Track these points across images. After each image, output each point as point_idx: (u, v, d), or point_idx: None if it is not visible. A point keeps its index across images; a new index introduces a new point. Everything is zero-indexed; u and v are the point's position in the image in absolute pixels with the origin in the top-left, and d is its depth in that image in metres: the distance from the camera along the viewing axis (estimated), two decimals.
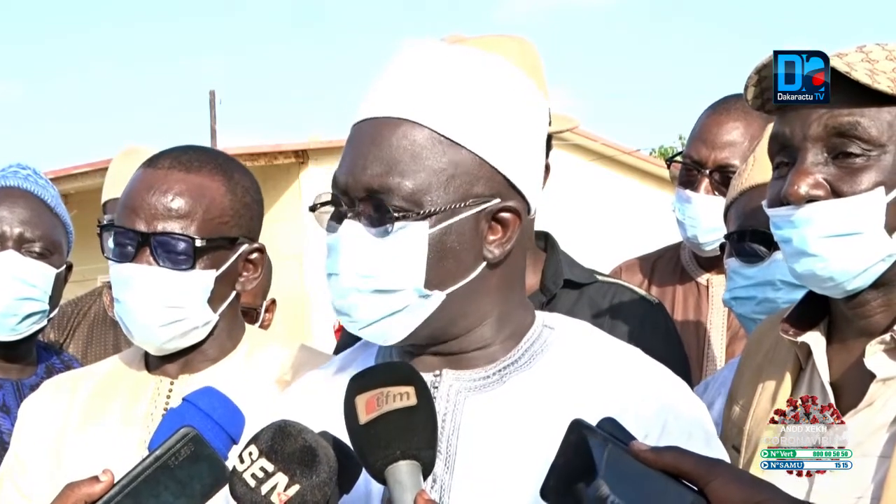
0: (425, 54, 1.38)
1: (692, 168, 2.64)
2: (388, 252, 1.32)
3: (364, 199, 1.34)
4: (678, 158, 2.76)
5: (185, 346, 1.87)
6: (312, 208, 1.41)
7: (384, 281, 1.33)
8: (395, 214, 1.31)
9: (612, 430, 1.14)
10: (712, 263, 2.76)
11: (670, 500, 1.08)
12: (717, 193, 2.60)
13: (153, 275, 1.79)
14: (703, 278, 2.77)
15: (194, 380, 1.88)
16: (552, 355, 1.40)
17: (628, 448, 1.12)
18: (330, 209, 1.39)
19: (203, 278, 1.82)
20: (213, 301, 1.85)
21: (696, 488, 1.09)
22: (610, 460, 1.11)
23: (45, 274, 2.30)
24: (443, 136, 1.33)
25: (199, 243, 1.80)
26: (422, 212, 1.31)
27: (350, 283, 1.34)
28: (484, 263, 1.36)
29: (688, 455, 1.11)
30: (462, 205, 1.33)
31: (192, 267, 1.80)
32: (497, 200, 1.35)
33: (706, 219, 2.61)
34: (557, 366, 1.38)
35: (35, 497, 1.88)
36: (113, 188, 3.20)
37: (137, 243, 1.80)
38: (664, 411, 1.34)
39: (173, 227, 1.80)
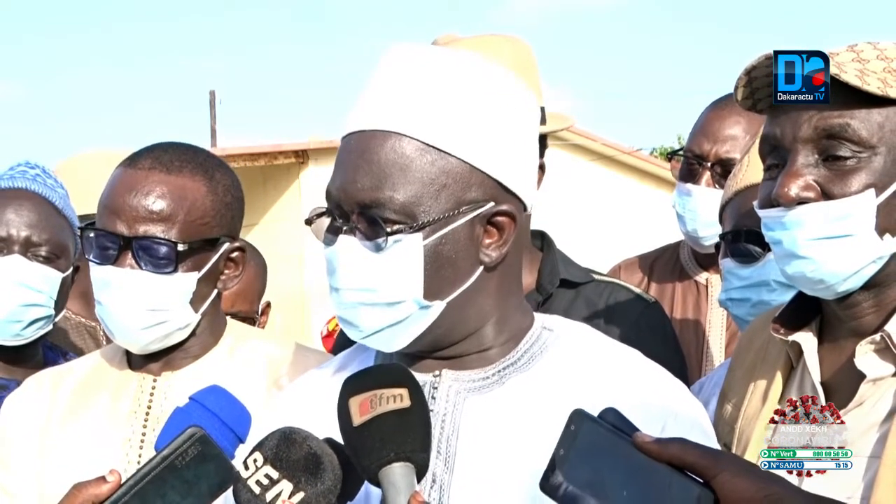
0: (410, 61, 1.37)
1: (693, 162, 2.65)
2: (385, 266, 1.33)
3: (357, 214, 1.34)
4: (679, 154, 2.77)
5: (168, 346, 1.87)
6: (308, 221, 1.42)
7: (383, 295, 1.34)
8: (388, 228, 1.31)
9: (615, 421, 1.13)
10: (711, 262, 2.76)
11: (675, 492, 1.07)
12: (717, 186, 2.60)
13: (135, 278, 1.79)
14: (702, 277, 2.77)
15: (177, 377, 1.89)
16: (551, 357, 1.40)
17: (632, 439, 1.11)
18: (326, 221, 1.39)
19: (185, 281, 1.81)
20: (195, 302, 1.84)
21: (701, 481, 1.07)
22: (592, 447, 1.10)
23: (51, 278, 2.27)
24: (431, 145, 1.33)
25: (181, 247, 1.79)
26: (415, 224, 1.32)
27: (351, 298, 1.35)
28: (481, 268, 1.37)
29: (693, 447, 1.10)
30: (455, 212, 1.33)
31: (175, 270, 1.80)
32: (491, 204, 1.35)
33: (706, 212, 2.60)
34: (556, 367, 1.39)
35: (19, 494, 1.88)
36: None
37: (119, 246, 1.79)
38: (663, 413, 1.34)
39: (155, 230, 1.79)
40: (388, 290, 1.33)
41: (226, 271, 1.90)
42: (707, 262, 2.77)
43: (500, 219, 1.36)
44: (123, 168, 1.85)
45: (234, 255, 1.90)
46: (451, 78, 1.36)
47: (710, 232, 2.63)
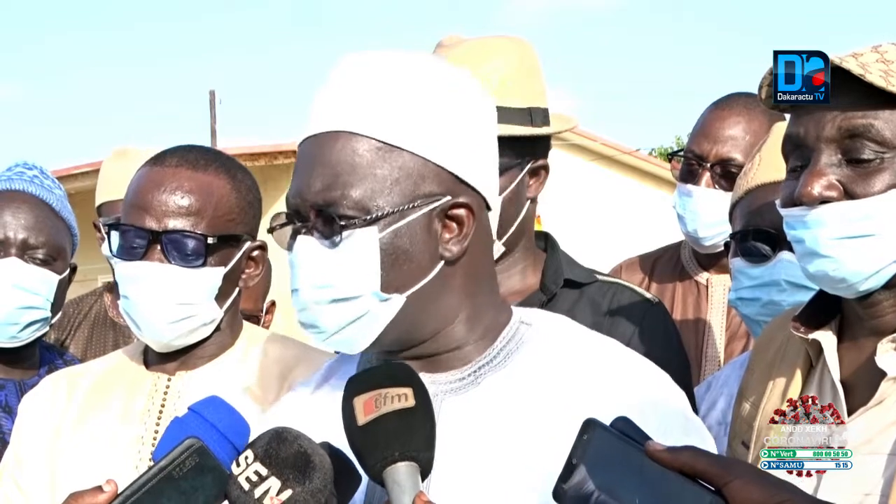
0: (359, 66, 1.38)
1: (694, 162, 2.66)
2: (341, 260, 1.33)
3: (314, 215, 1.35)
4: (680, 154, 2.77)
5: (192, 342, 1.89)
6: (270, 230, 1.43)
7: (341, 289, 1.34)
8: (342, 223, 1.32)
9: (626, 430, 1.13)
10: (712, 262, 2.76)
11: (687, 500, 1.07)
12: (717, 187, 2.62)
13: (164, 272, 1.81)
14: (702, 277, 2.77)
15: (191, 377, 1.90)
16: (527, 353, 1.39)
17: (643, 448, 1.11)
18: (289, 230, 1.40)
19: (212, 275, 1.84)
20: (219, 298, 1.87)
21: (713, 488, 1.07)
22: (604, 456, 1.10)
23: (48, 281, 2.28)
24: (382, 141, 1.33)
25: (210, 241, 1.82)
26: (368, 217, 1.32)
27: (309, 296, 1.36)
28: (442, 262, 1.36)
29: (705, 455, 1.10)
30: (410, 206, 1.33)
31: (204, 264, 1.82)
32: (448, 198, 1.35)
33: (706, 213, 2.61)
34: (532, 363, 1.38)
35: (34, 493, 1.89)
36: (108, 190, 3.17)
37: (148, 241, 1.81)
38: (641, 403, 1.32)
39: (184, 224, 1.81)
40: (344, 284, 1.33)
41: (247, 270, 1.93)
42: (708, 262, 2.78)
43: (457, 212, 1.36)
44: (149, 167, 1.88)
45: (255, 253, 1.93)
46: (400, 76, 1.36)
47: (710, 232, 2.64)
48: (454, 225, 1.36)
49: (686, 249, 2.85)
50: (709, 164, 2.62)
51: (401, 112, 1.34)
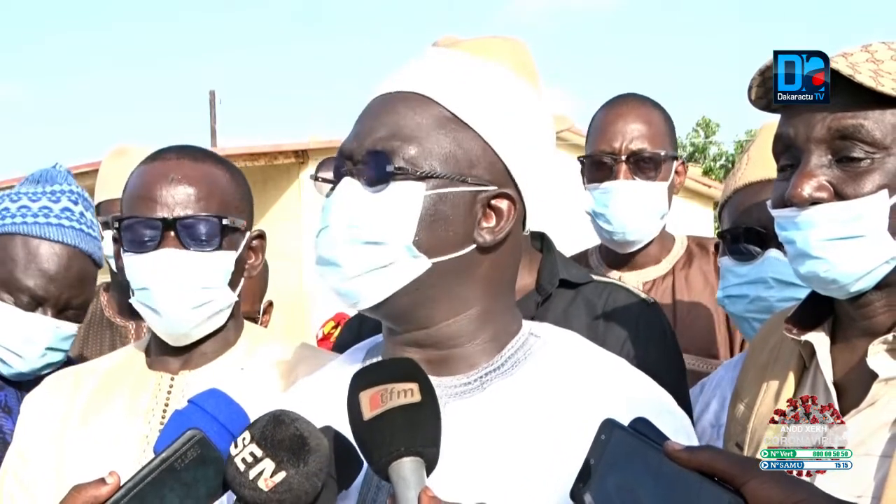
0: (448, 50, 1.42)
1: (606, 160, 2.66)
2: (382, 206, 1.34)
3: (366, 161, 1.36)
4: (585, 159, 2.74)
5: (209, 331, 1.91)
6: (315, 177, 1.43)
7: (373, 232, 1.34)
8: (394, 172, 1.33)
9: (645, 430, 1.14)
10: (621, 261, 2.75)
11: (705, 500, 1.07)
12: (635, 178, 2.63)
13: (183, 258, 1.82)
14: (613, 276, 2.73)
15: (194, 376, 1.91)
16: (535, 363, 1.40)
17: (662, 448, 1.11)
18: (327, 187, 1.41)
19: (226, 259, 1.86)
20: (231, 285, 1.89)
21: (731, 488, 1.07)
22: (622, 456, 1.11)
23: (73, 335, 2.24)
24: (452, 113, 1.36)
25: (225, 222, 1.84)
26: (419, 172, 1.33)
27: (339, 234, 1.36)
28: (473, 246, 1.37)
29: (723, 454, 1.10)
30: (460, 178, 1.35)
31: (219, 247, 1.85)
32: (494, 188, 1.37)
33: (631, 204, 2.63)
34: (540, 374, 1.38)
35: (38, 490, 1.90)
36: (107, 189, 3.17)
37: (161, 231, 1.82)
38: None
39: (196, 210, 1.84)
40: (378, 228, 1.34)
41: (248, 260, 1.95)
42: (617, 261, 2.76)
43: (500, 203, 1.38)
44: (150, 163, 1.90)
45: (255, 243, 1.97)
46: (481, 63, 1.41)
47: (638, 226, 2.64)
48: (493, 216, 1.38)
49: (594, 255, 2.85)
50: (623, 157, 2.63)
51: (478, 93, 1.37)
